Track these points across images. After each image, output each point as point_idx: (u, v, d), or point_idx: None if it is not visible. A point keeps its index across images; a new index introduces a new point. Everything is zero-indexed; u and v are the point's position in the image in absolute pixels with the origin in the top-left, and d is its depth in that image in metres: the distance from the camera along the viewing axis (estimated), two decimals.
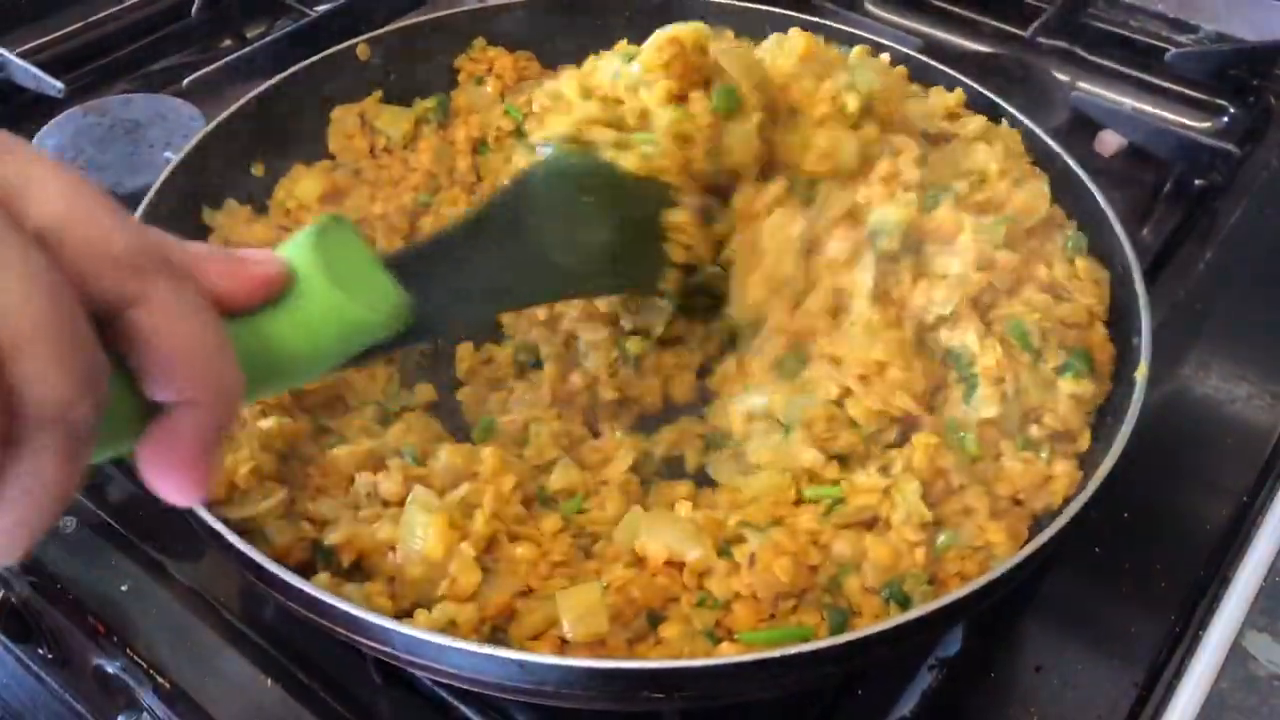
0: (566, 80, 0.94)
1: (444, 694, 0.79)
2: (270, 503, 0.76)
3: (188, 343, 0.39)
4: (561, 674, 0.65)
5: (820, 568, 0.74)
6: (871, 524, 0.78)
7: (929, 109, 1.01)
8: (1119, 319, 0.88)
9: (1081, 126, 1.27)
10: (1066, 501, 0.78)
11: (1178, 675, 0.79)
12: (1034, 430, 0.82)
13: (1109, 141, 1.28)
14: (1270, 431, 0.96)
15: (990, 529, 0.76)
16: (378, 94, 1.12)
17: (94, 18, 1.42)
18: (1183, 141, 1.23)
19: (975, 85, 1.05)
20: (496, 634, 0.71)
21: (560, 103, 0.93)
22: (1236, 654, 0.80)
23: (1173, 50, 1.37)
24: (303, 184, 1.03)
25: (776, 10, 1.15)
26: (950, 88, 1.05)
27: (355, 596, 0.70)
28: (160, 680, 0.80)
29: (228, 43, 1.47)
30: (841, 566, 0.74)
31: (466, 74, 1.15)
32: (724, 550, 0.74)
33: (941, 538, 0.76)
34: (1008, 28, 1.46)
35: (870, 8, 1.54)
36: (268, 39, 1.36)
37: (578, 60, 1.14)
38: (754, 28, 1.15)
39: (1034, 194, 0.93)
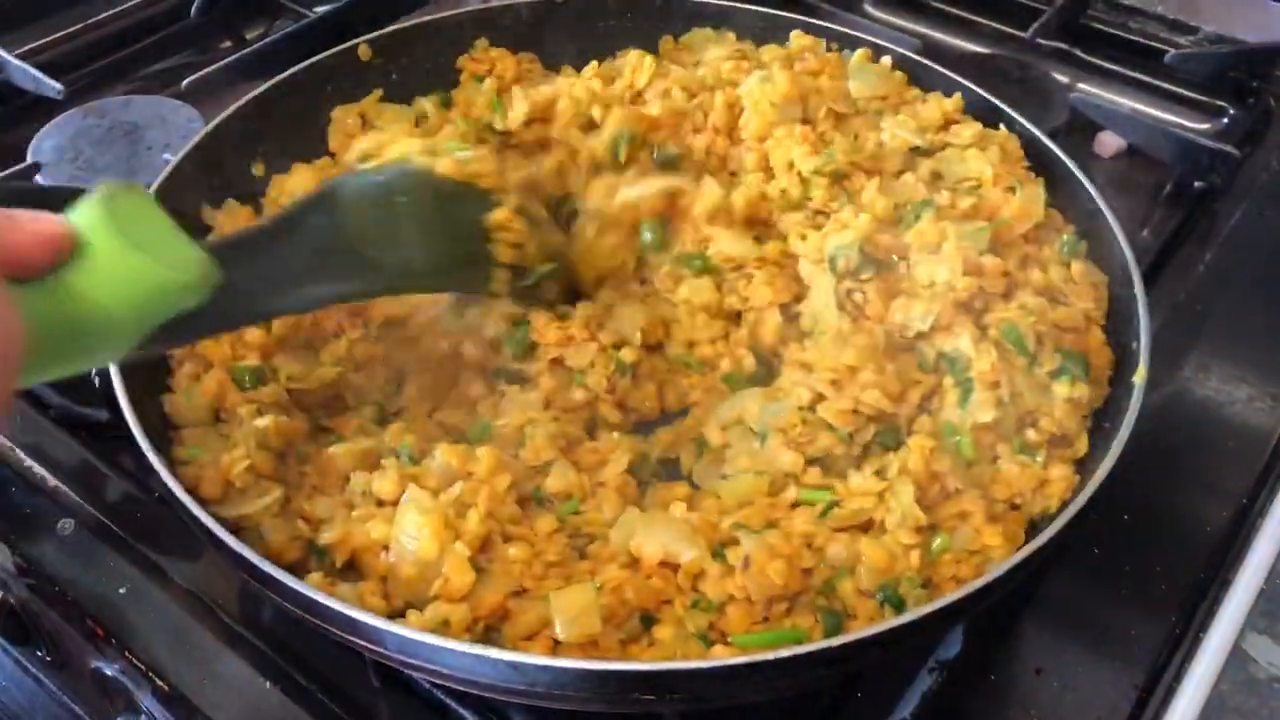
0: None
1: (442, 696, 0.79)
2: (266, 501, 0.76)
3: None
4: (553, 675, 0.65)
5: (815, 570, 0.74)
6: (867, 527, 0.78)
7: (923, 121, 1.02)
8: (1118, 322, 0.88)
9: (1081, 128, 1.27)
10: (1063, 505, 0.78)
11: (1178, 677, 0.79)
12: (1030, 434, 0.82)
13: (1108, 143, 1.27)
14: (1270, 433, 0.96)
15: (986, 533, 0.76)
16: (378, 94, 1.12)
17: (93, 19, 1.42)
18: (1182, 143, 1.23)
19: (974, 87, 1.05)
20: (490, 634, 0.71)
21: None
22: (1236, 656, 0.80)
23: (1172, 52, 1.37)
24: (293, 181, 1.03)
25: (776, 12, 1.15)
26: (949, 91, 1.06)
27: (348, 596, 0.70)
28: (159, 682, 0.80)
29: (227, 44, 1.47)
30: (836, 569, 0.74)
31: (468, 73, 1.15)
32: (718, 553, 0.74)
33: (937, 541, 0.76)
34: (1007, 29, 1.46)
35: (869, 9, 1.54)
36: (267, 40, 1.36)
37: (578, 61, 1.15)
38: (754, 29, 1.15)
39: (1029, 199, 0.93)
